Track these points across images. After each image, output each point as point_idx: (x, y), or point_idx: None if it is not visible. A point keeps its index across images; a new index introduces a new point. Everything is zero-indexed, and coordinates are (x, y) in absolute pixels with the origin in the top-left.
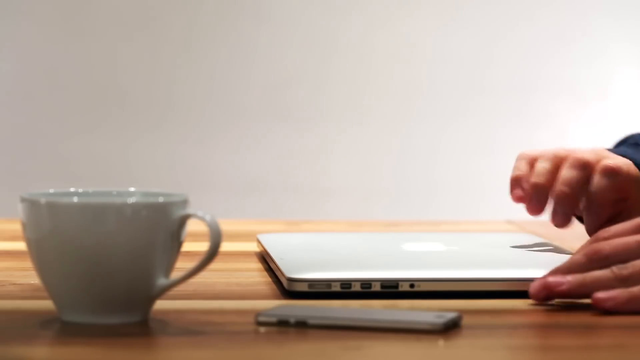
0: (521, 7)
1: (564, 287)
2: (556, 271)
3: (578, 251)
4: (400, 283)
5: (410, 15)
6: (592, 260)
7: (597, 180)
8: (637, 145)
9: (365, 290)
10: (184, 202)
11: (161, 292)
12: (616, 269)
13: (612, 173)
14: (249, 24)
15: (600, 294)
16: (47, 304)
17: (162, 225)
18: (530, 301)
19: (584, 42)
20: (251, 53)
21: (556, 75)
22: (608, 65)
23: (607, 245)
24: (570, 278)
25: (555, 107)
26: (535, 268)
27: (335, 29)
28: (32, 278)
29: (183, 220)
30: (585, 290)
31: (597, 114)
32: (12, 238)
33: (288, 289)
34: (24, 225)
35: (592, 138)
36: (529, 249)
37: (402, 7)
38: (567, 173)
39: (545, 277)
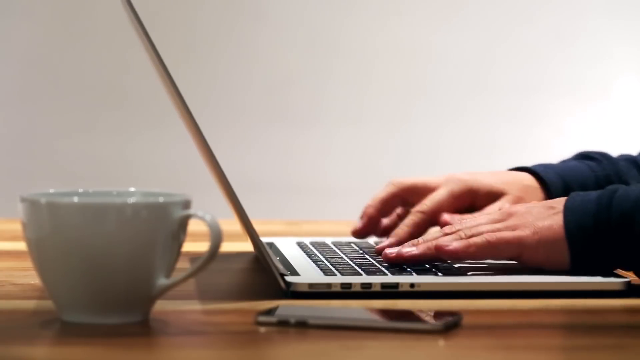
0: (521, 8)
1: (414, 252)
2: (427, 247)
3: None
4: (400, 283)
5: (410, 15)
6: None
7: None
8: (585, 158)
9: (366, 290)
10: (184, 202)
11: (161, 292)
12: (462, 232)
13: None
14: (248, 24)
15: (441, 241)
16: (47, 304)
17: (163, 225)
18: (530, 301)
19: (585, 43)
20: (251, 53)
21: (556, 76)
22: (608, 65)
23: (473, 230)
24: (456, 243)
25: (554, 107)
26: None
27: (335, 28)
28: (32, 278)
29: (183, 221)
30: (432, 252)
31: (597, 114)
32: (12, 238)
33: (288, 289)
34: (24, 225)
35: (592, 138)
36: None
37: (402, 7)
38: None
39: (420, 251)
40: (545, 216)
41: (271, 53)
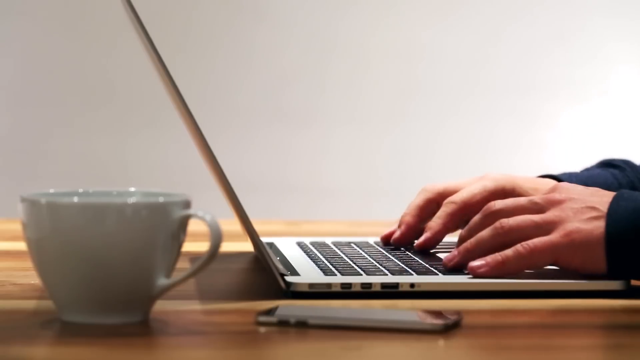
0: (518, 6)
1: (483, 270)
2: (466, 249)
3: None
4: (400, 283)
5: (407, 15)
6: (498, 235)
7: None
8: (608, 166)
9: (366, 290)
10: (184, 202)
11: (161, 292)
12: (499, 227)
13: None
14: (246, 23)
15: (474, 262)
16: (47, 304)
17: (163, 225)
18: (530, 301)
19: (582, 41)
20: (249, 53)
21: (553, 74)
22: (605, 64)
23: (511, 221)
24: (489, 260)
25: (552, 106)
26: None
27: (332, 28)
28: (32, 278)
29: (183, 220)
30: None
31: (594, 113)
32: (12, 238)
33: (288, 289)
34: (24, 225)
35: (589, 137)
36: None
37: (399, 7)
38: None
39: (461, 256)
40: (586, 219)
41: (269, 53)
